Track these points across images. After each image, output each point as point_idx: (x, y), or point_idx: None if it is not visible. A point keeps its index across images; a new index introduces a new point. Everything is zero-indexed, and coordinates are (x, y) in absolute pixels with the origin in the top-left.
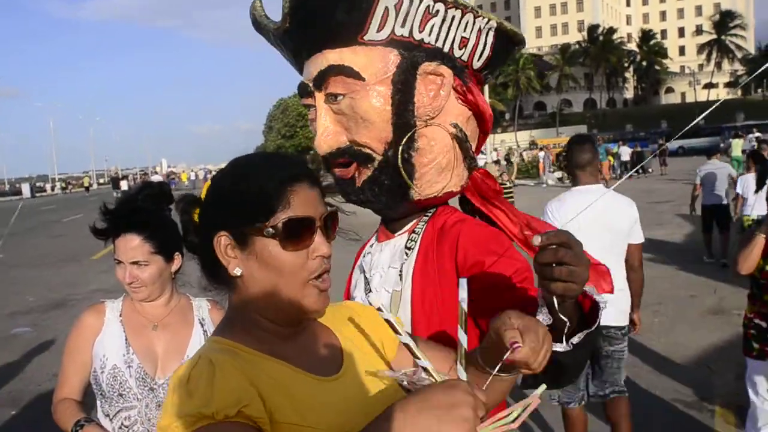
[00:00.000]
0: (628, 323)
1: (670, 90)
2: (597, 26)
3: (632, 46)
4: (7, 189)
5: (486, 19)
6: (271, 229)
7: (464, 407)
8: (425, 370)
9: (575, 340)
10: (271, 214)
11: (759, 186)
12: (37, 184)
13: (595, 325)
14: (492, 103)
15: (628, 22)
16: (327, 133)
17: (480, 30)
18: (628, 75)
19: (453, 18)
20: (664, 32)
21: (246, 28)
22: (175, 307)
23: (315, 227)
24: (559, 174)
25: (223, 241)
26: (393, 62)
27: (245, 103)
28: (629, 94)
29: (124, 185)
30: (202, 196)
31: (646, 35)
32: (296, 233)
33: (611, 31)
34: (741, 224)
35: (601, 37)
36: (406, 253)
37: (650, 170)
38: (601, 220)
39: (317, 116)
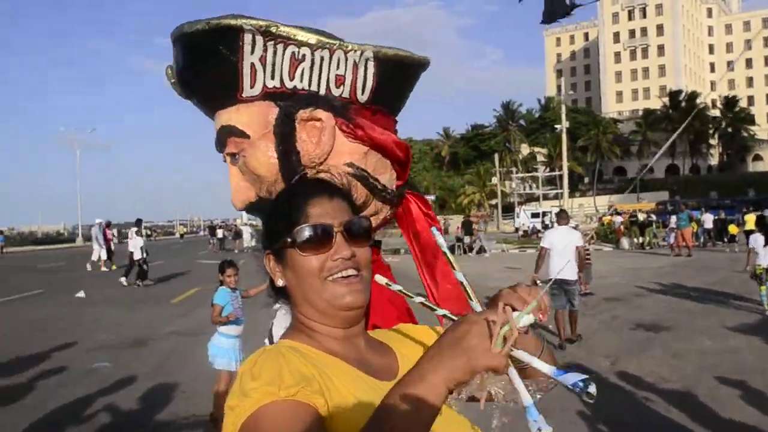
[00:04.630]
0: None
1: (758, 157)
2: (679, 92)
3: (716, 112)
4: (65, 235)
5: (359, 52)
6: (291, 239)
7: (469, 337)
8: (445, 316)
9: None
10: (293, 227)
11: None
12: (123, 231)
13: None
14: (570, 166)
15: (713, 88)
16: (237, 191)
17: (355, 64)
18: (713, 141)
19: (322, 59)
20: (750, 98)
21: None
22: None
23: (333, 233)
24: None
25: (269, 260)
26: (272, 115)
27: None
28: (714, 160)
29: (219, 233)
30: None
31: (730, 102)
32: (312, 239)
33: (693, 96)
34: (753, 271)
35: (683, 103)
36: None
37: (737, 239)
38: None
39: (229, 175)
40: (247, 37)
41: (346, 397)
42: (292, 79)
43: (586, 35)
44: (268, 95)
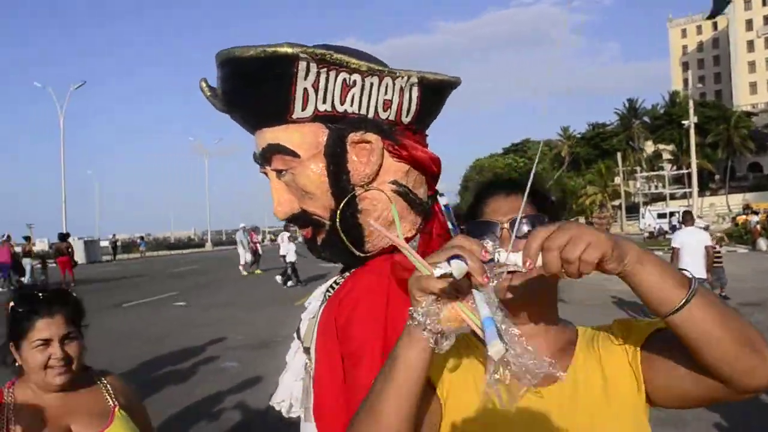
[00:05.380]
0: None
1: None
2: None
3: None
4: (195, 241)
5: (405, 78)
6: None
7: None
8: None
9: None
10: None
11: None
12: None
13: None
14: (700, 163)
15: None
16: (280, 203)
17: (402, 89)
18: None
19: (372, 85)
20: None
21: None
22: None
23: (499, 229)
24: None
25: None
26: (322, 136)
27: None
28: None
29: None
30: None
31: None
32: (477, 234)
33: None
34: None
35: None
36: (331, 288)
37: None
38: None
39: (271, 187)
40: (302, 65)
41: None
42: (342, 103)
43: (715, 24)
44: (318, 117)
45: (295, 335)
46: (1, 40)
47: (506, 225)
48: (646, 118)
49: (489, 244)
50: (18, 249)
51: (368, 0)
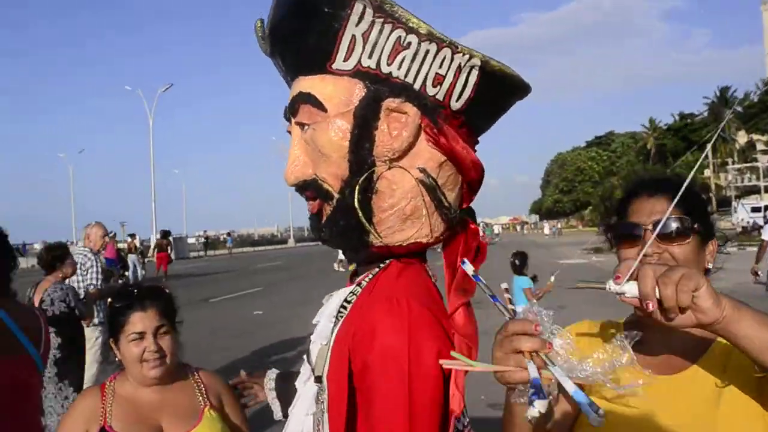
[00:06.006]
0: None
1: None
2: None
3: None
4: (278, 237)
5: (467, 56)
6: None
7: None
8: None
9: None
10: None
11: None
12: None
13: None
14: None
15: None
16: (296, 164)
17: (459, 67)
18: None
19: (427, 52)
20: None
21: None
22: None
23: (642, 230)
24: None
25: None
26: (357, 95)
27: (522, 157)
28: None
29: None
30: None
31: None
32: (622, 238)
33: None
34: None
35: None
36: (343, 308)
37: None
38: None
39: (290, 144)
40: (358, 7)
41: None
42: (390, 64)
43: None
44: (359, 73)
45: (305, 359)
46: (97, 48)
47: (649, 227)
48: (738, 108)
49: (543, 316)
50: (123, 245)
51: None
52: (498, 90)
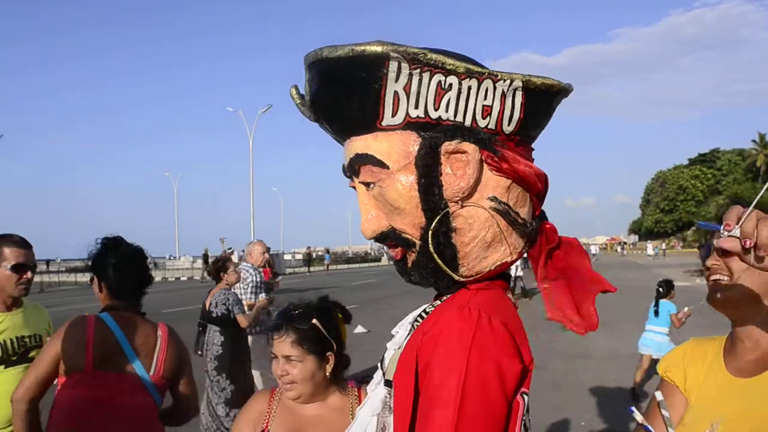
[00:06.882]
0: None
1: None
2: None
3: None
4: (372, 255)
5: (508, 82)
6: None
7: None
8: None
9: None
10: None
11: None
12: None
13: None
14: None
15: None
16: (369, 219)
17: (503, 93)
18: None
19: (470, 89)
20: None
21: (612, 100)
22: None
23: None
24: None
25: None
26: (413, 145)
27: (620, 175)
28: None
29: None
30: None
31: None
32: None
33: None
34: None
35: None
36: (420, 317)
37: None
38: None
39: (359, 202)
40: (393, 65)
41: (698, 381)
42: (437, 109)
43: None
44: (409, 125)
45: (379, 365)
46: (202, 71)
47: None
48: None
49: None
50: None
51: (540, 11)
52: (543, 101)
